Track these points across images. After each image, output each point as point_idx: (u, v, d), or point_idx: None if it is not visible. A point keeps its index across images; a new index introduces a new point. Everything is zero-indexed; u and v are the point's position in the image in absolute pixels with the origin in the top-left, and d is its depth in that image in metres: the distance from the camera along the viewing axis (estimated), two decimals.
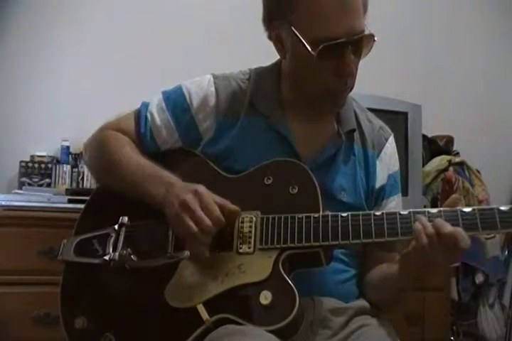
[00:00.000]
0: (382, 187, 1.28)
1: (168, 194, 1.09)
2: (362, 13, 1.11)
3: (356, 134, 1.26)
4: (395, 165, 1.32)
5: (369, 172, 1.26)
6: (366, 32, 1.10)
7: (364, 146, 1.27)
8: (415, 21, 3.00)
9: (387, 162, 1.29)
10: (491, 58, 3.13)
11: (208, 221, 1.04)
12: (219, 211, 1.06)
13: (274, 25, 1.16)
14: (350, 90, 1.18)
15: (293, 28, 1.11)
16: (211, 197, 1.07)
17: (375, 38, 1.12)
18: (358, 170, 1.24)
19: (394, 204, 1.28)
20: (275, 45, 1.19)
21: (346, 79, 1.13)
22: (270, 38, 1.19)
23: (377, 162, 1.28)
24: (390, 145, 1.31)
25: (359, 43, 1.10)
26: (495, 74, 3.12)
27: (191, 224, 1.03)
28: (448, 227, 0.98)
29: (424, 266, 1.04)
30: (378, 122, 1.33)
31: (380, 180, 1.27)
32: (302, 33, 1.10)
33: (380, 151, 1.29)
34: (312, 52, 1.08)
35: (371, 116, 1.33)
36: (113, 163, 1.20)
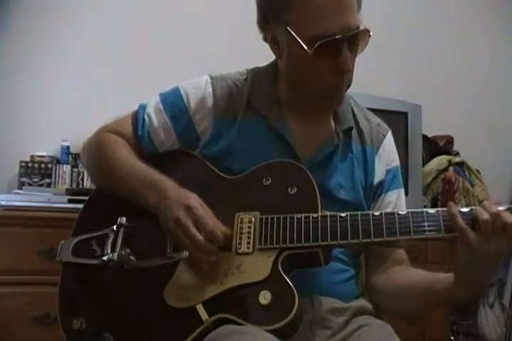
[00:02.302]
0: (381, 183, 1.27)
1: (161, 203, 1.09)
2: (356, 8, 1.11)
3: (354, 132, 1.26)
4: (394, 161, 1.31)
5: (367, 169, 1.26)
6: (361, 27, 1.11)
7: (362, 144, 1.27)
8: (416, 21, 3.01)
9: (385, 158, 1.29)
10: (491, 58, 3.13)
11: (201, 238, 1.03)
12: (213, 226, 1.05)
13: (269, 26, 1.16)
14: (348, 87, 1.18)
15: (288, 28, 1.11)
16: (204, 211, 1.07)
17: (371, 33, 1.12)
18: (355, 167, 1.24)
19: (394, 198, 1.28)
20: (271, 46, 1.19)
21: (343, 75, 1.13)
22: (266, 39, 1.20)
23: (376, 158, 1.28)
24: (388, 142, 1.31)
25: (355, 39, 1.11)
26: (495, 74, 3.13)
27: (186, 241, 1.04)
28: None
29: (483, 260, 1.01)
30: (376, 119, 1.33)
31: (379, 175, 1.27)
32: (297, 32, 1.10)
33: (379, 148, 1.29)
34: (308, 51, 1.09)
35: (369, 113, 1.33)
36: (109, 165, 1.20)
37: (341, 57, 1.10)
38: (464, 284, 1.05)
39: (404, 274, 1.20)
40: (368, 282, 1.25)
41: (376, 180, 1.27)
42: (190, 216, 1.05)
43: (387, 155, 1.30)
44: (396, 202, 1.27)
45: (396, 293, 1.19)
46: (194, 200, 1.08)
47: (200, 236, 1.04)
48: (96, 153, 1.25)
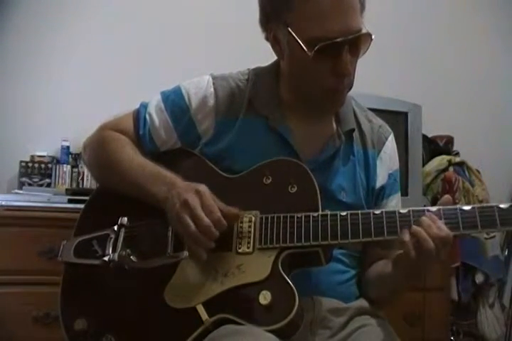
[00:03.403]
0: (383, 187, 1.28)
1: (170, 193, 1.09)
2: (359, 11, 1.10)
3: (356, 134, 1.26)
4: (395, 164, 1.32)
5: (369, 172, 1.26)
6: (363, 31, 1.10)
7: (364, 146, 1.27)
8: (416, 21, 3.00)
9: (387, 161, 1.29)
10: (491, 58, 3.13)
11: (207, 220, 1.03)
12: (219, 212, 1.05)
13: (271, 26, 1.16)
14: (349, 89, 1.18)
15: (289, 29, 1.11)
16: (212, 198, 1.07)
17: (373, 37, 1.11)
18: (357, 170, 1.24)
19: (394, 203, 1.29)
20: (272, 46, 1.19)
21: (343, 78, 1.13)
22: (267, 39, 1.20)
23: (378, 161, 1.28)
24: (390, 144, 1.31)
25: (356, 42, 1.10)
26: (495, 74, 3.12)
27: (190, 223, 1.03)
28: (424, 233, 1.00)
29: (413, 265, 1.05)
30: (378, 121, 1.33)
31: (381, 179, 1.27)
32: (298, 34, 1.10)
33: (380, 150, 1.29)
34: (308, 53, 1.08)
35: (371, 115, 1.33)
36: (114, 162, 1.20)
37: (341, 60, 1.09)
38: (401, 273, 1.10)
39: (375, 266, 1.24)
40: (361, 280, 1.26)
41: (378, 184, 1.27)
42: (199, 199, 1.05)
43: (388, 158, 1.30)
44: (395, 206, 1.28)
45: (370, 285, 1.24)
46: (203, 187, 1.08)
47: (206, 219, 1.03)
48: (99, 151, 1.25)
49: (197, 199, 1.05)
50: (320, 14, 1.07)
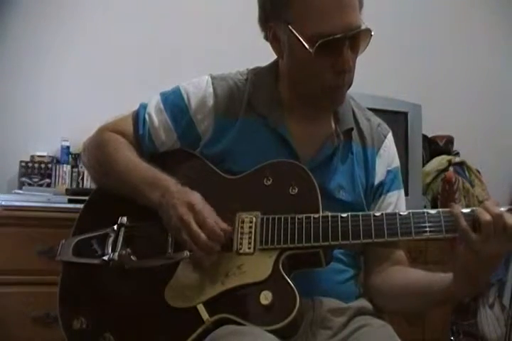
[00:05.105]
0: (381, 183, 1.27)
1: (164, 199, 1.10)
2: (358, 8, 1.11)
3: (354, 133, 1.26)
4: (395, 162, 1.32)
5: (368, 169, 1.26)
6: (363, 27, 1.11)
7: (363, 144, 1.27)
8: (416, 21, 3.01)
9: (386, 158, 1.29)
10: (491, 58, 3.13)
11: (203, 237, 1.04)
12: (214, 224, 1.06)
13: (270, 24, 1.16)
14: (349, 87, 1.18)
15: (289, 26, 1.11)
16: (205, 208, 1.08)
17: (372, 33, 1.12)
18: (356, 168, 1.24)
19: (394, 199, 1.28)
20: (272, 45, 1.20)
21: (344, 75, 1.13)
22: (267, 38, 1.20)
23: (377, 159, 1.28)
24: (389, 142, 1.31)
25: (356, 39, 1.11)
26: (495, 74, 3.13)
27: (189, 240, 1.04)
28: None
29: (482, 260, 1.00)
30: (376, 120, 1.33)
31: (379, 176, 1.27)
32: (299, 31, 1.10)
33: (379, 148, 1.29)
34: (309, 49, 1.09)
35: (369, 114, 1.33)
36: (111, 165, 1.20)
37: (342, 56, 1.10)
38: (462, 284, 1.04)
39: (402, 274, 1.20)
40: (366, 283, 1.25)
41: (377, 181, 1.27)
42: (192, 212, 1.06)
43: (387, 156, 1.30)
44: (396, 202, 1.27)
45: (395, 294, 1.19)
46: (196, 197, 1.09)
47: (202, 234, 1.04)
48: (97, 152, 1.24)
49: (190, 214, 1.06)
50: (320, 11, 1.07)
